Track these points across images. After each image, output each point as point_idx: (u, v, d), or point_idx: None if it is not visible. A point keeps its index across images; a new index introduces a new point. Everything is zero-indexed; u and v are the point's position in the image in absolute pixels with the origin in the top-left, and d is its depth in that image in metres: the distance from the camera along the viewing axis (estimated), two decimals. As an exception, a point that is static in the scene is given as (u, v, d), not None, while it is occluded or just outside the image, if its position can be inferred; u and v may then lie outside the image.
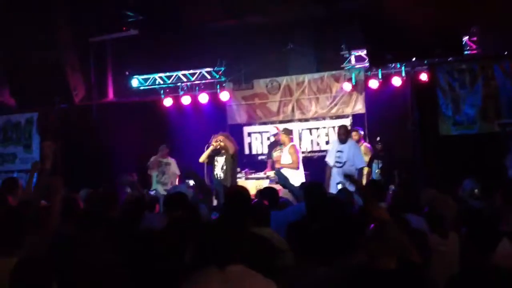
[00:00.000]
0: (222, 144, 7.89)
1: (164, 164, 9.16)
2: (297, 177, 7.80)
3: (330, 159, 8.08)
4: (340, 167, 7.85)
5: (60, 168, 9.37)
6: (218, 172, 7.95)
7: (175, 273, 2.76)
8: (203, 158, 8.04)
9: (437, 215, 3.74)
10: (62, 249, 3.04)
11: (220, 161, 8.00)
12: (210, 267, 2.48)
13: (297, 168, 8.09)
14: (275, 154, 8.89)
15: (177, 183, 8.91)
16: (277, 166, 8.42)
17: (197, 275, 2.48)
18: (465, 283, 1.96)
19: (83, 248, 2.98)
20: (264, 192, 4.97)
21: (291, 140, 8.46)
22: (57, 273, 2.41)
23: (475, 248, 3.00)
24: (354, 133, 8.73)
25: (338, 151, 7.94)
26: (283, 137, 8.40)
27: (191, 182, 7.87)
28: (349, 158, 7.81)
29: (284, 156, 8.27)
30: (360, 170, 7.87)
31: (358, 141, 8.63)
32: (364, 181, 8.11)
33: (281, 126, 9.61)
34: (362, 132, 8.93)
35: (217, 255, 2.48)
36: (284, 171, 7.35)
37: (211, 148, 7.95)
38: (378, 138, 8.52)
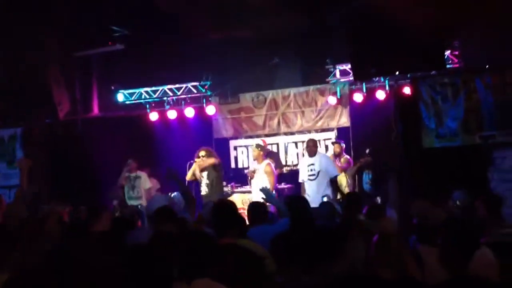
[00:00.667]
0: (202, 162, 7.91)
1: (133, 178, 8.95)
2: None
3: (302, 175, 8.25)
4: (314, 179, 7.98)
5: (42, 182, 9.31)
6: (204, 188, 7.96)
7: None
8: (188, 176, 8.05)
9: (429, 226, 3.78)
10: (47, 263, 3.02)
11: (205, 176, 8.01)
12: (179, 282, 2.50)
13: (272, 190, 7.92)
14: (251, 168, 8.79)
15: (150, 195, 8.70)
16: (252, 186, 8.33)
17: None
18: None
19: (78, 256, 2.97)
20: (253, 207, 5.00)
21: (264, 157, 8.41)
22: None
23: (452, 257, 3.05)
24: (336, 146, 8.91)
25: (310, 164, 8.12)
26: (255, 153, 8.32)
27: (173, 194, 7.88)
28: (322, 169, 7.95)
29: (259, 176, 8.17)
30: (335, 178, 8.11)
31: (340, 154, 8.82)
32: (345, 190, 8.33)
33: (268, 140, 9.69)
34: (343, 145, 9.04)
35: (185, 269, 2.50)
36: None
37: (194, 166, 7.95)
38: (367, 150, 8.65)
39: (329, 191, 7.97)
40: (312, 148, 8.24)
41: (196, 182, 8.23)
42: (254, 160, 8.58)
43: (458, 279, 2.90)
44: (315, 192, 7.86)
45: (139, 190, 8.91)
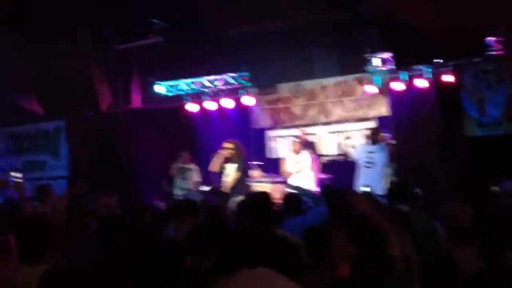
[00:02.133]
0: (232, 152, 7.94)
1: (186, 170, 9.21)
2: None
3: (356, 156, 8.18)
4: (370, 167, 7.89)
5: (87, 175, 9.56)
6: (228, 180, 8.01)
7: (199, 279, 2.79)
8: (214, 167, 8.10)
9: (459, 226, 3.69)
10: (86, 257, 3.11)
11: (229, 169, 8.05)
12: (238, 271, 2.52)
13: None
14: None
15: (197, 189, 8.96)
16: (292, 179, 8.37)
17: (226, 278, 2.52)
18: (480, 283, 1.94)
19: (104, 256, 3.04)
20: (288, 200, 5.02)
21: (301, 149, 8.59)
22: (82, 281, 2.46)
23: (490, 249, 2.97)
24: (295, 144, 8.79)
25: (369, 152, 7.98)
26: (293, 144, 8.52)
27: (206, 188, 8.04)
28: (381, 160, 7.83)
29: (303, 168, 8.34)
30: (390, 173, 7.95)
31: (298, 152, 8.69)
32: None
33: (306, 130, 9.66)
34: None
35: (244, 259, 2.52)
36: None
37: (221, 156, 7.98)
38: (394, 142, 8.49)
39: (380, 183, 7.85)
40: (375, 136, 8.17)
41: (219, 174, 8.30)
42: (293, 151, 8.61)
43: (492, 270, 2.83)
44: (375, 181, 7.59)
45: (189, 182, 9.13)
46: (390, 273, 3.03)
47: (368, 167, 7.99)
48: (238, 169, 8.06)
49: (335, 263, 2.87)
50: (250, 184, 8.69)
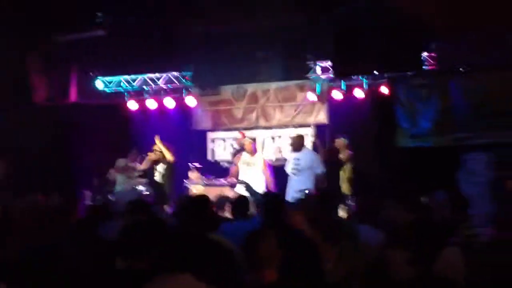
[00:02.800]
0: (158, 153, 8.05)
1: (132, 168, 9.15)
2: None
3: (287, 168, 8.36)
4: (296, 174, 8.13)
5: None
6: (159, 179, 8.07)
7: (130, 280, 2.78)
8: (143, 165, 8.18)
9: (396, 229, 3.86)
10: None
11: (159, 169, 8.13)
12: (161, 275, 2.53)
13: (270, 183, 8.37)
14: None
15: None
16: (245, 179, 8.43)
17: (150, 283, 2.52)
18: None
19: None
20: (237, 202, 5.05)
21: (255, 150, 8.64)
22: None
23: (418, 257, 3.14)
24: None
25: (295, 159, 8.21)
26: (248, 145, 8.54)
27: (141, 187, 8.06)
28: (307, 165, 8.03)
29: (255, 169, 8.38)
30: (319, 176, 8.14)
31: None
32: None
33: (245, 133, 9.72)
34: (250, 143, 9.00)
35: (168, 263, 2.53)
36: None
37: (151, 157, 8.06)
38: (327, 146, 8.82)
39: (310, 187, 8.03)
40: (296, 143, 8.34)
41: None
42: (247, 152, 8.68)
43: (421, 278, 2.99)
44: (296, 189, 7.88)
45: (133, 181, 9.13)
46: (319, 282, 3.11)
47: (295, 174, 8.19)
48: (166, 170, 8.27)
49: (262, 268, 2.91)
50: (188, 186, 8.69)
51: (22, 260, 2.96)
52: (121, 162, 9.26)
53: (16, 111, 10.05)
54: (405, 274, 3.20)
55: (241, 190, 8.01)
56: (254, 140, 8.73)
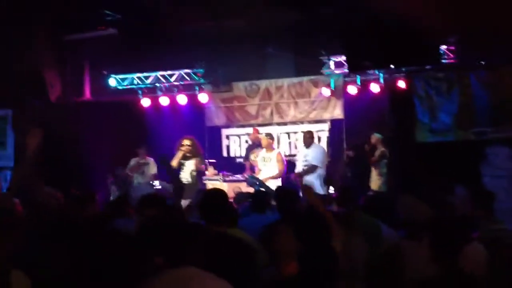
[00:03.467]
0: (190, 148, 7.98)
1: (144, 164, 9.27)
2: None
3: (298, 166, 8.41)
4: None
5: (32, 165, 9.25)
6: (186, 176, 7.99)
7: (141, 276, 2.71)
8: (175, 162, 8.09)
9: (415, 222, 3.76)
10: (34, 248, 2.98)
11: (188, 165, 8.04)
12: (164, 270, 2.47)
13: (280, 177, 8.23)
14: (252, 157, 8.90)
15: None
16: (261, 175, 8.34)
17: (152, 277, 2.46)
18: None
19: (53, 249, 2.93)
20: (255, 196, 5.01)
21: (272, 146, 8.59)
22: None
23: (441, 253, 3.06)
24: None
25: (305, 155, 8.30)
26: (265, 141, 8.49)
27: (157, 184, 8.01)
28: (314, 161, 8.11)
29: (271, 165, 8.31)
30: (314, 167, 8.17)
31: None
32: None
33: (260, 129, 9.67)
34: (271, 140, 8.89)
35: (171, 256, 2.48)
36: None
37: (181, 153, 7.97)
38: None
39: (317, 183, 7.99)
40: (307, 139, 8.36)
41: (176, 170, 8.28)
42: (258, 146, 8.69)
43: (445, 274, 2.91)
44: (310, 182, 7.82)
45: (146, 176, 9.24)
46: (333, 265, 3.07)
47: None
48: (198, 163, 8.12)
49: (282, 261, 2.86)
50: (205, 182, 8.66)
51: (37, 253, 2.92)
52: (132, 161, 9.40)
53: (32, 109, 10.10)
54: (427, 271, 3.12)
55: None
56: (270, 136, 8.62)
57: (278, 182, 8.08)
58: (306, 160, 8.27)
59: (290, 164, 8.87)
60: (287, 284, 2.85)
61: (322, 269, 3.04)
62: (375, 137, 8.65)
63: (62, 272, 2.80)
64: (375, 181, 8.45)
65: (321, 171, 8.26)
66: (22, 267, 2.62)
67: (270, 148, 8.48)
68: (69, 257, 2.92)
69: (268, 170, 8.28)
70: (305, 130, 9.58)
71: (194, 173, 8.08)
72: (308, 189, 3.78)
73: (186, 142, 8.09)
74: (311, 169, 8.21)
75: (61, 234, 3.25)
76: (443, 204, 4.99)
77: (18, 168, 4.54)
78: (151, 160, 9.33)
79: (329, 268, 3.12)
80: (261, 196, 4.93)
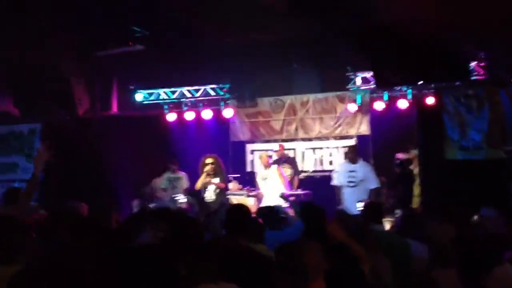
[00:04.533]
0: (213, 166, 7.98)
1: (174, 178, 9.14)
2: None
3: (339, 180, 8.09)
4: (354, 186, 7.90)
5: (57, 178, 9.36)
6: (210, 194, 7.99)
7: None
8: (199, 185, 8.11)
9: (440, 247, 3.64)
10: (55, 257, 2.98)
11: (211, 184, 8.05)
12: (205, 284, 2.42)
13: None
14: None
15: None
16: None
17: None
18: None
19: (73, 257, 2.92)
20: (262, 212, 4.95)
21: (269, 162, 8.73)
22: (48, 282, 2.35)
23: (467, 274, 2.93)
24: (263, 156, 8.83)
25: (351, 171, 8.00)
26: (263, 159, 8.64)
27: (182, 198, 8.03)
28: (363, 178, 7.84)
29: (273, 180, 8.36)
30: (372, 191, 7.90)
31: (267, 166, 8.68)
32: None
33: (285, 145, 9.63)
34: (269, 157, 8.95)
35: (209, 272, 2.43)
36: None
37: (204, 175, 8.02)
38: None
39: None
40: (352, 154, 8.20)
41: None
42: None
43: None
44: (355, 200, 7.68)
45: (179, 191, 9.05)
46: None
47: (351, 187, 7.98)
48: (221, 181, 8.17)
49: (310, 278, 2.78)
50: (229, 197, 8.64)
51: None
52: (164, 176, 9.27)
53: (61, 123, 10.28)
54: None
55: (269, 201, 7.91)
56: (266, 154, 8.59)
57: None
58: (353, 177, 8.03)
59: (313, 180, 8.79)
60: None
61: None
62: (414, 152, 8.47)
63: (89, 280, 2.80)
64: (416, 199, 8.27)
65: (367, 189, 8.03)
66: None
67: (268, 165, 8.46)
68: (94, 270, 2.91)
69: (269, 187, 8.25)
70: (331, 146, 9.53)
71: (218, 191, 8.09)
72: (331, 226, 3.66)
73: (209, 160, 8.13)
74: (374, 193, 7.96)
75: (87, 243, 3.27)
76: (467, 223, 4.85)
77: (27, 187, 4.61)
78: (183, 174, 9.22)
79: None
80: (267, 213, 4.85)
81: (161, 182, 9.28)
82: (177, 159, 9.38)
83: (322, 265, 2.83)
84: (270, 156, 8.85)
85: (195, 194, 8.40)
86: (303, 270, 2.79)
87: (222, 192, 8.27)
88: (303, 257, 2.82)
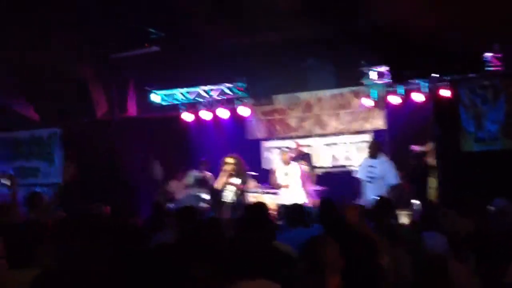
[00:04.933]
0: (234, 166, 7.93)
1: (201, 178, 9.15)
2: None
3: (360, 174, 8.11)
4: (371, 182, 7.88)
5: (78, 181, 9.50)
6: (230, 196, 7.97)
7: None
8: (220, 184, 8.07)
9: (459, 241, 3.66)
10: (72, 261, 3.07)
11: (232, 185, 8.04)
12: (238, 282, 2.48)
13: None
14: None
15: None
16: (283, 190, 8.41)
17: None
18: None
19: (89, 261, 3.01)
20: (291, 209, 5.00)
21: (290, 160, 8.64)
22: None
23: (483, 266, 2.95)
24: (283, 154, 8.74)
25: (370, 166, 7.94)
26: (284, 155, 8.56)
27: (203, 195, 8.01)
28: (382, 174, 7.80)
29: (294, 177, 8.38)
30: (391, 187, 7.84)
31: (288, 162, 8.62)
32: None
33: (301, 142, 9.65)
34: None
35: (245, 270, 2.49)
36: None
37: (226, 173, 7.96)
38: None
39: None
40: (373, 149, 8.13)
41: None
42: (282, 162, 8.63)
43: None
44: (372, 195, 7.53)
45: (205, 191, 9.05)
46: (382, 283, 3.01)
47: (370, 182, 7.96)
48: (242, 183, 8.12)
49: (328, 273, 2.83)
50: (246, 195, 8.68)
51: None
52: (191, 175, 9.25)
53: (79, 126, 10.43)
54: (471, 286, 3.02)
55: (284, 198, 7.88)
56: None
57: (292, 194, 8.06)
58: (371, 172, 7.99)
59: (329, 176, 8.78)
60: None
61: (367, 284, 2.99)
62: (431, 145, 8.43)
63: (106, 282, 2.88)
64: (432, 192, 8.21)
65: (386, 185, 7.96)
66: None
67: (288, 162, 8.44)
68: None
69: (289, 183, 8.28)
70: (347, 141, 9.52)
71: (239, 192, 8.06)
72: (350, 210, 3.68)
73: (230, 160, 8.06)
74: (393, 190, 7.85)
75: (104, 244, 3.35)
76: (484, 216, 4.84)
77: (53, 196, 4.73)
78: (210, 175, 9.17)
79: (374, 284, 3.06)
80: (293, 211, 4.88)
81: (187, 179, 9.23)
82: (207, 160, 9.31)
83: (339, 262, 2.88)
84: (291, 153, 8.82)
85: (214, 194, 8.42)
86: (322, 266, 2.84)
87: (243, 194, 8.21)
88: (322, 253, 2.87)
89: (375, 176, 7.93)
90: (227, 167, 8.03)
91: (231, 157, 8.17)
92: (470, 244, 3.33)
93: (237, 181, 8.09)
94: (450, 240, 3.73)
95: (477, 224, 4.23)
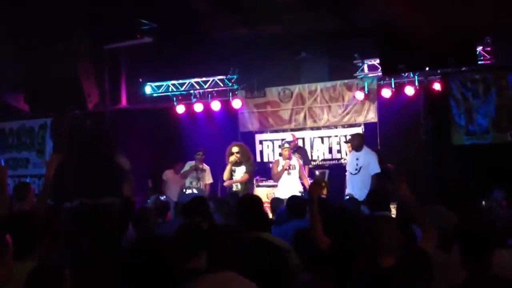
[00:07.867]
0: (238, 155, 7.95)
1: (200, 170, 8.83)
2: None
3: (348, 168, 8.13)
4: (356, 174, 7.90)
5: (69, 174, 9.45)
6: (237, 185, 7.99)
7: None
8: (226, 175, 8.08)
9: (440, 231, 3.69)
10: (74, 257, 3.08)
11: (238, 172, 8.04)
12: (204, 275, 2.54)
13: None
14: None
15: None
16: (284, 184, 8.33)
17: (191, 282, 2.52)
18: None
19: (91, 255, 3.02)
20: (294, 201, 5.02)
21: (291, 155, 8.49)
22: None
23: (468, 258, 2.99)
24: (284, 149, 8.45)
25: (356, 159, 7.98)
26: (285, 151, 8.37)
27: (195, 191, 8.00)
28: (364, 164, 7.83)
29: (296, 177, 8.33)
30: (374, 176, 7.84)
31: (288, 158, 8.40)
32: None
33: (295, 134, 9.66)
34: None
35: (211, 262, 2.53)
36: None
37: (230, 164, 7.98)
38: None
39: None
40: (354, 142, 8.09)
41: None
42: (283, 158, 8.44)
43: (475, 281, 2.86)
44: (359, 188, 7.60)
45: (201, 183, 8.78)
46: (427, 266, 3.04)
47: (353, 174, 7.98)
48: (246, 171, 8.11)
49: (383, 253, 2.84)
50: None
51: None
52: (187, 165, 8.93)
53: (70, 117, 10.38)
54: (456, 279, 3.06)
55: (283, 191, 7.93)
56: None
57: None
58: (356, 164, 7.92)
59: (322, 169, 8.80)
60: (386, 275, 2.82)
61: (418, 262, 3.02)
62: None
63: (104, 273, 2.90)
64: None
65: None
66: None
67: (289, 157, 8.33)
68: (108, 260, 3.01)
69: (290, 176, 8.24)
70: (339, 134, 9.55)
71: (243, 184, 8.04)
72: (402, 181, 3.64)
73: (235, 149, 8.07)
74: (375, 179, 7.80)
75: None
76: (475, 209, 4.89)
77: (41, 191, 4.68)
78: (207, 168, 8.90)
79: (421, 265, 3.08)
80: (297, 202, 4.92)
81: (184, 168, 8.90)
82: (204, 151, 8.97)
83: (396, 241, 2.88)
84: (290, 146, 8.76)
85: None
86: (377, 245, 2.85)
87: (250, 181, 8.20)
88: (379, 232, 2.88)
89: (357, 168, 7.96)
90: (232, 158, 8.03)
91: (235, 145, 8.19)
92: (455, 236, 3.36)
93: (242, 169, 8.06)
94: (439, 233, 3.76)
95: (462, 217, 4.28)
